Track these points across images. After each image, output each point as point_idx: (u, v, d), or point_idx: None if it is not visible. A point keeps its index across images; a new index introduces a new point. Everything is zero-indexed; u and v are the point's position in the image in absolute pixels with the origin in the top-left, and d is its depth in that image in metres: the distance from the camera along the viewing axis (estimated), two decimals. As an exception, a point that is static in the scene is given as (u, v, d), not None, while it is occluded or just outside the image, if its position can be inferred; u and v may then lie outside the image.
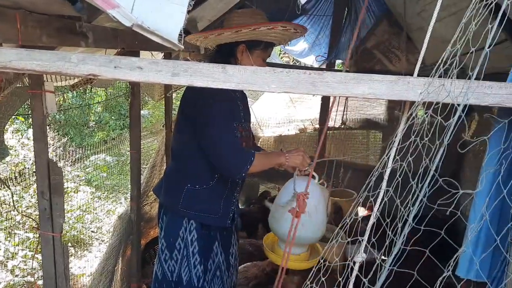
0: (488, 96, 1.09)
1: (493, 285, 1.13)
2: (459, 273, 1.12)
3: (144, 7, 0.92)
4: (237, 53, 2.13)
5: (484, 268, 1.15)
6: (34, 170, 1.97)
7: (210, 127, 2.06)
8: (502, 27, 1.02)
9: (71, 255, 4.50)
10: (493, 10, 1.05)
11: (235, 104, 2.23)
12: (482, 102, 1.09)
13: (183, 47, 1.00)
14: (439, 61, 1.09)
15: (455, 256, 0.99)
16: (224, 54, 2.15)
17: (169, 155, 3.98)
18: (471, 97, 1.05)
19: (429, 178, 1.00)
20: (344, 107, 4.25)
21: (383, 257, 1.15)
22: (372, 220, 1.16)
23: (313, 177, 2.15)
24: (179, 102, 2.35)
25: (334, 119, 4.87)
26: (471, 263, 1.11)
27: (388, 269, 1.06)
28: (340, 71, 4.14)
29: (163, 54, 3.56)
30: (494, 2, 1.03)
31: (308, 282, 1.22)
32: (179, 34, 0.98)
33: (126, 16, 0.90)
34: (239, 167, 2.04)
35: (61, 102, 6.18)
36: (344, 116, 4.39)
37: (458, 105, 1.01)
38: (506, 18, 1.05)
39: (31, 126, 1.97)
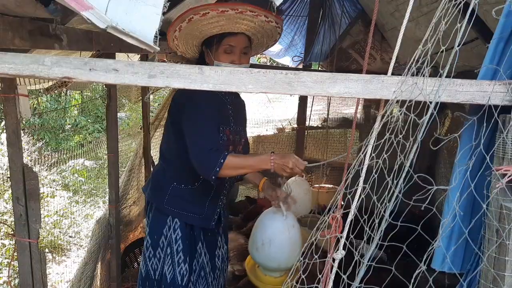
0: (460, 93, 1.12)
1: (467, 277, 1.16)
2: (434, 266, 1.15)
3: (118, 9, 0.91)
4: (206, 57, 2.13)
5: (457, 261, 1.18)
6: (8, 175, 1.93)
7: (190, 128, 2.07)
8: (470, 25, 1.05)
9: (49, 261, 4.42)
10: (461, 10, 1.08)
11: (223, 108, 2.22)
12: (453, 100, 1.12)
13: (158, 48, 1.00)
14: (411, 60, 1.12)
15: (428, 250, 1.02)
16: (200, 63, 2.16)
17: (147, 158, 3.96)
18: (443, 95, 1.08)
19: (403, 174, 1.02)
20: (328, 105, 4.32)
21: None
22: (350, 217, 1.18)
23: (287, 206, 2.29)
24: (156, 104, 2.36)
25: (309, 118, 4.92)
26: (445, 256, 1.14)
27: (367, 265, 1.08)
28: (317, 70, 4.17)
29: (139, 56, 3.53)
30: (463, 2, 1.05)
31: (288, 280, 1.23)
32: (155, 36, 0.98)
33: (101, 18, 0.89)
34: (208, 169, 1.98)
35: (35, 105, 6.06)
36: (326, 115, 4.46)
37: (430, 102, 1.04)
38: (475, 17, 1.08)
39: (4, 131, 1.93)
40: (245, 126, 2.46)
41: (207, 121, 2.09)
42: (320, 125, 5.20)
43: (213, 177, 1.99)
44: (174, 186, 2.25)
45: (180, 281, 2.28)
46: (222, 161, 1.96)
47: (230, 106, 2.26)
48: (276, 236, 2.24)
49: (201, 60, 2.17)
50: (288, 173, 1.97)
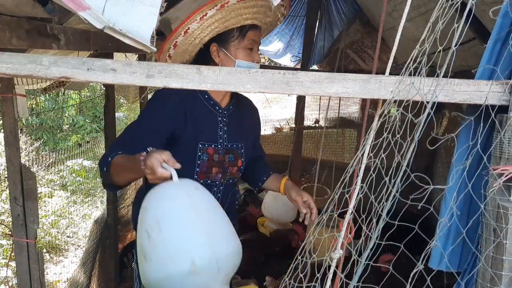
0: (457, 93, 1.12)
1: (464, 276, 1.17)
2: (431, 265, 1.16)
3: (115, 9, 0.92)
4: (214, 58, 1.73)
5: (454, 260, 1.19)
6: (6, 175, 1.93)
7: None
8: (467, 25, 1.05)
9: (47, 261, 4.41)
10: (459, 9, 1.08)
11: (209, 119, 1.80)
12: (451, 99, 1.12)
13: (155, 49, 1.00)
14: (409, 60, 1.12)
15: (426, 249, 1.02)
16: (199, 63, 1.69)
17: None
18: (440, 95, 1.08)
19: (401, 174, 1.02)
20: (325, 106, 4.32)
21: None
22: (348, 216, 1.18)
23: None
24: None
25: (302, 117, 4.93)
26: (442, 256, 1.14)
27: (364, 263, 1.08)
28: (315, 70, 4.19)
29: (137, 55, 3.53)
30: (460, 1, 1.06)
31: (287, 279, 1.23)
32: (152, 36, 0.98)
33: (98, 18, 0.89)
34: (101, 173, 1.61)
35: (33, 106, 6.06)
36: (318, 115, 4.46)
37: (428, 102, 1.04)
38: (472, 17, 1.08)
39: (2, 131, 1.93)
40: (251, 140, 1.99)
41: (145, 129, 1.66)
42: (315, 125, 5.20)
43: (107, 187, 1.68)
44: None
45: None
46: (110, 159, 1.54)
47: (223, 119, 1.84)
48: (171, 214, 1.28)
49: (201, 61, 1.75)
50: (151, 176, 1.36)
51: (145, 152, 1.41)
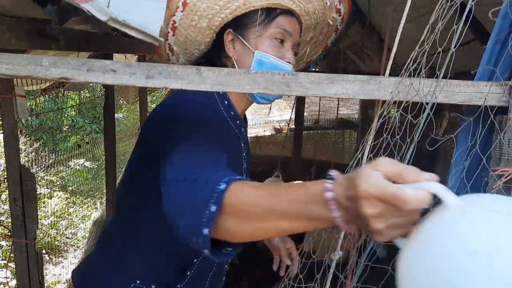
0: (457, 95, 1.12)
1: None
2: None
3: (121, 4, 0.91)
4: (228, 51, 1.22)
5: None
6: (5, 176, 1.93)
7: (179, 152, 0.97)
8: (467, 26, 1.06)
9: (46, 262, 4.41)
10: (458, 10, 1.08)
11: (236, 143, 1.25)
12: (450, 100, 1.12)
13: (163, 40, 0.99)
14: (408, 61, 1.12)
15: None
16: (212, 59, 1.25)
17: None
18: (439, 96, 1.09)
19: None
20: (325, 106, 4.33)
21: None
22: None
23: None
24: (154, 105, 2.26)
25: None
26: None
27: (364, 264, 1.08)
28: (314, 71, 4.19)
29: (136, 56, 3.53)
30: (459, 2, 1.06)
31: (286, 279, 1.23)
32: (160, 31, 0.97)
33: (101, 10, 0.88)
34: (193, 212, 0.77)
35: (32, 106, 6.06)
36: (318, 116, 4.47)
37: (427, 103, 1.04)
38: (471, 18, 1.08)
39: (2, 132, 1.94)
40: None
41: (213, 146, 1.01)
42: (315, 125, 5.21)
43: (203, 232, 0.75)
44: None
45: None
46: (221, 187, 0.76)
47: (243, 144, 1.28)
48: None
49: (213, 54, 1.25)
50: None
51: (329, 178, 0.67)
